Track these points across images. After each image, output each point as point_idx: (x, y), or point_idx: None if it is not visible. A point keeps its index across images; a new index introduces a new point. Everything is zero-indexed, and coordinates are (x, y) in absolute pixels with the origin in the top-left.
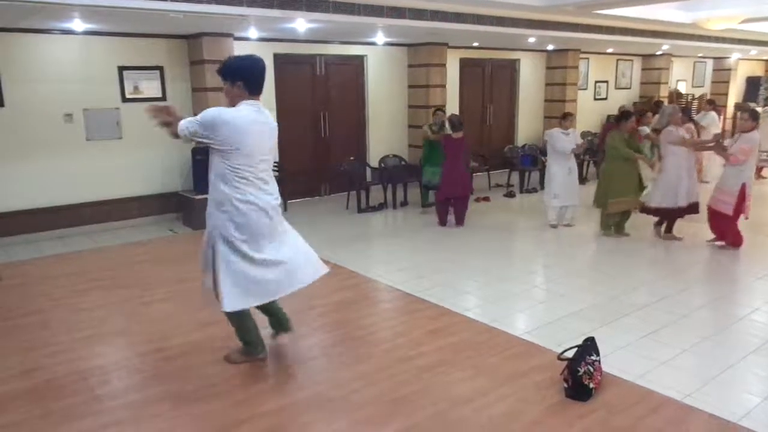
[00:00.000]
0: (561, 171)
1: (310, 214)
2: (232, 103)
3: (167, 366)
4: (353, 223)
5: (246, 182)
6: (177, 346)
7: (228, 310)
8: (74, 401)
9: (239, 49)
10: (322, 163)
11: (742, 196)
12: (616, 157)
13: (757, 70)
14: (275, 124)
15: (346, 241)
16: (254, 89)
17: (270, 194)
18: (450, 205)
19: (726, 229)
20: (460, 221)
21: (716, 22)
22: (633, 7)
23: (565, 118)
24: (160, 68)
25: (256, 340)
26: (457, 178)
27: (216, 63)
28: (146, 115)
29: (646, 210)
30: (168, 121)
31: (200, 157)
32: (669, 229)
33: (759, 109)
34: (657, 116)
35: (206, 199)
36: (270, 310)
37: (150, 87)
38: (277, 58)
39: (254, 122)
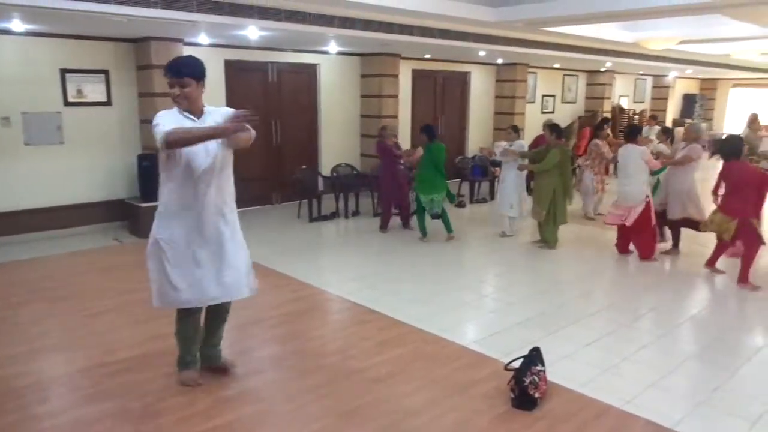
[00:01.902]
0: (515, 182)
1: (261, 222)
2: (196, 105)
3: (111, 382)
4: (305, 232)
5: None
6: (122, 361)
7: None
8: (9, 421)
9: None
10: (273, 171)
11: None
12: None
13: (693, 88)
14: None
15: (298, 250)
16: (200, 87)
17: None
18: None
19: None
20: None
21: (656, 43)
22: (579, 25)
23: (510, 131)
24: (106, 72)
25: (188, 351)
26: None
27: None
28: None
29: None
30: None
31: (147, 164)
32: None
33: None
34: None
35: (153, 206)
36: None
37: (94, 91)
38: (229, 64)
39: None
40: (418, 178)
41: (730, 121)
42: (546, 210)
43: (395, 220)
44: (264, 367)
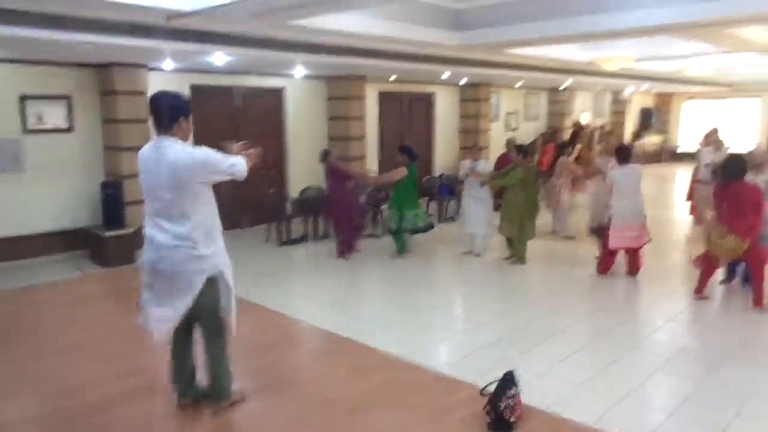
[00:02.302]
0: (475, 200)
1: (229, 247)
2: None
3: (80, 424)
4: (274, 256)
5: (147, 216)
6: (91, 401)
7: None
8: None
9: (154, 80)
10: (241, 195)
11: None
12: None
13: (649, 102)
14: (175, 160)
15: (268, 276)
16: (155, 125)
17: (167, 232)
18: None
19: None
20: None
21: (612, 63)
22: (538, 47)
23: (473, 150)
24: (68, 98)
25: (176, 381)
26: (328, 207)
27: (129, 93)
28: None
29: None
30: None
31: (111, 191)
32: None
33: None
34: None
35: (117, 235)
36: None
37: (56, 117)
38: (194, 89)
39: (147, 158)
40: (401, 197)
41: (685, 133)
42: (516, 226)
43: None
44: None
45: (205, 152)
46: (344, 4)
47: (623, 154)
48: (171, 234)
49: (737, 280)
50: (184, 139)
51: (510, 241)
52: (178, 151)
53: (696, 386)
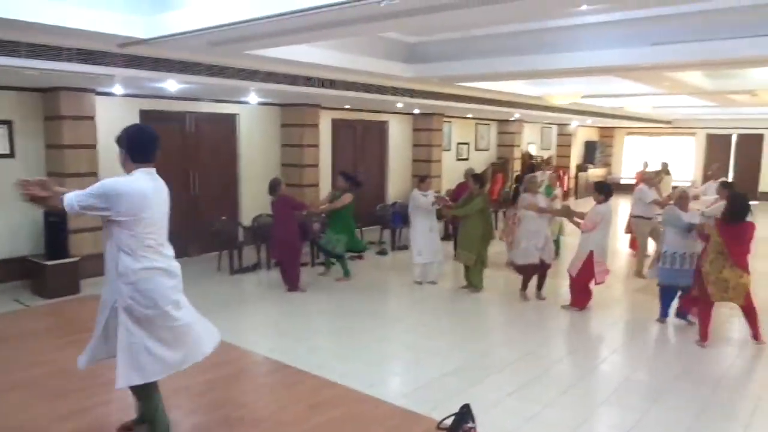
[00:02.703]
0: (423, 229)
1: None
2: (125, 170)
3: None
4: (226, 285)
5: (150, 250)
6: None
7: (120, 386)
8: None
9: (102, 105)
10: (191, 222)
11: (589, 262)
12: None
13: (593, 136)
14: (166, 186)
15: (220, 305)
16: (143, 157)
17: (171, 257)
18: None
19: (573, 289)
20: (288, 284)
21: (559, 98)
22: (489, 81)
23: (422, 181)
24: (9, 122)
25: (163, 420)
26: (278, 242)
27: (75, 119)
28: (16, 189)
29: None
30: (40, 195)
31: (53, 219)
32: (525, 287)
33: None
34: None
35: (61, 264)
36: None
37: None
38: (144, 114)
39: (152, 190)
40: (346, 221)
41: (626, 167)
42: (475, 255)
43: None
44: None
45: None
46: (304, 37)
47: (608, 190)
48: (172, 257)
49: (670, 318)
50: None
51: (467, 269)
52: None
53: (640, 417)
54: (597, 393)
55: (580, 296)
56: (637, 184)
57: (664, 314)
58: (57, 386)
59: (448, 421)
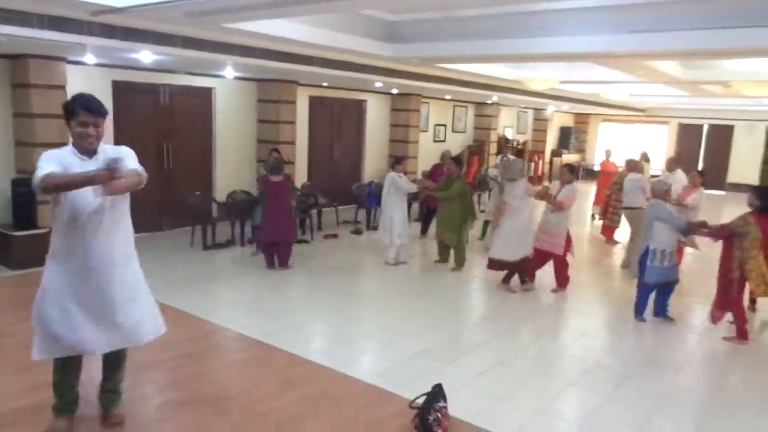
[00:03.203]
0: (401, 212)
1: (152, 250)
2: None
3: None
4: (199, 261)
5: None
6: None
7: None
8: None
9: (73, 74)
10: (164, 196)
11: (569, 239)
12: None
13: (569, 121)
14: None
15: (193, 281)
16: None
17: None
18: (273, 248)
19: (559, 271)
20: (283, 263)
21: (537, 83)
22: (469, 63)
23: (399, 162)
24: None
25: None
26: (279, 223)
27: (45, 87)
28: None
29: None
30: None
31: (23, 189)
32: (506, 280)
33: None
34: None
35: (29, 235)
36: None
37: None
38: (117, 85)
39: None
40: None
41: (600, 153)
42: (456, 234)
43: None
44: (163, 415)
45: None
46: (284, 12)
47: (576, 172)
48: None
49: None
50: (75, 143)
51: (443, 247)
52: None
53: (605, 400)
54: (565, 375)
55: (566, 275)
56: (607, 173)
57: (641, 312)
58: (21, 358)
59: (420, 400)
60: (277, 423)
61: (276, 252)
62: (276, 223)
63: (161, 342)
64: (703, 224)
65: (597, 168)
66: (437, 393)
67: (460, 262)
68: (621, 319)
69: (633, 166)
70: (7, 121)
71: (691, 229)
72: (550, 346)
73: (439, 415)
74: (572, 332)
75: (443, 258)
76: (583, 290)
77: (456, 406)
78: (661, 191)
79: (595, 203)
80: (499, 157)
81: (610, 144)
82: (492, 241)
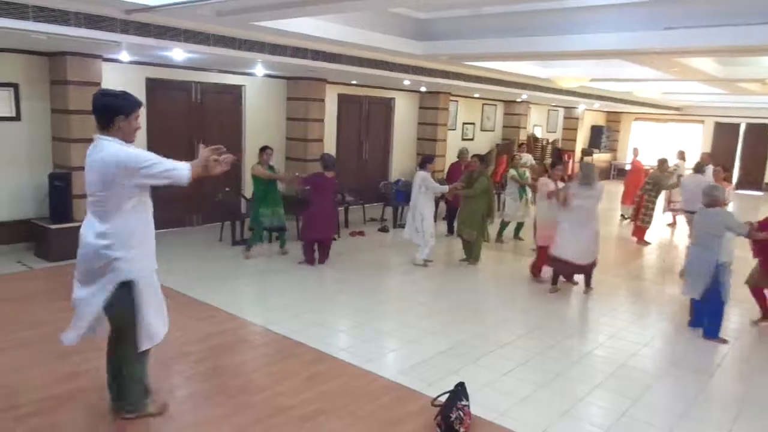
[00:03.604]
0: (432, 211)
1: (181, 245)
2: None
3: (20, 427)
4: (227, 256)
5: (87, 215)
6: (33, 403)
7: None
8: None
9: (108, 71)
10: (194, 192)
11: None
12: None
13: (600, 120)
14: (104, 159)
15: (220, 276)
16: (97, 123)
17: (92, 227)
18: (318, 244)
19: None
20: (324, 259)
21: (567, 81)
22: (498, 61)
23: (431, 162)
24: (15, 85)
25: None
26: (326, 219)
27: (81, 84)
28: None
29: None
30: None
31: (59, 183)
32: (555, 281)
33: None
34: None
35: (64, 228)
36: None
37: (2, 105)
38: (150, 82)
39: (88, 156)
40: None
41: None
42: (476, 230)
43: None
44: (190, 406)
45: (130, 154)
46: (312, 10)
47: None
48: (94, 231)
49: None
50: (126, 138)
51: (468, 244)
52: (109, 150)
53: (633, 402)
54: (592, 377)
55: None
56: (636, 172)
57: (716, 333)
58: (56, 348)
59: (443, 398)
60: (300, 417)
61: (320, 248)
62: (324, 219)
63: (188, 333)
64: (762, 226)
65: (629, 167)
66: (460, 391)
67: (476, 257)
68: (650, 321)
69: (699, 166)
70: (46, 117)
71: (750, 234)
72: (577, 347)
73: (461, 413)
74: (600, 334)
75: (467, 256)
76: (612, 292)
77: (479, 406)
78: (720, 197)
79: (623, 203)
80: (517, 156)
81: (643, 143)
82: (561, 242)
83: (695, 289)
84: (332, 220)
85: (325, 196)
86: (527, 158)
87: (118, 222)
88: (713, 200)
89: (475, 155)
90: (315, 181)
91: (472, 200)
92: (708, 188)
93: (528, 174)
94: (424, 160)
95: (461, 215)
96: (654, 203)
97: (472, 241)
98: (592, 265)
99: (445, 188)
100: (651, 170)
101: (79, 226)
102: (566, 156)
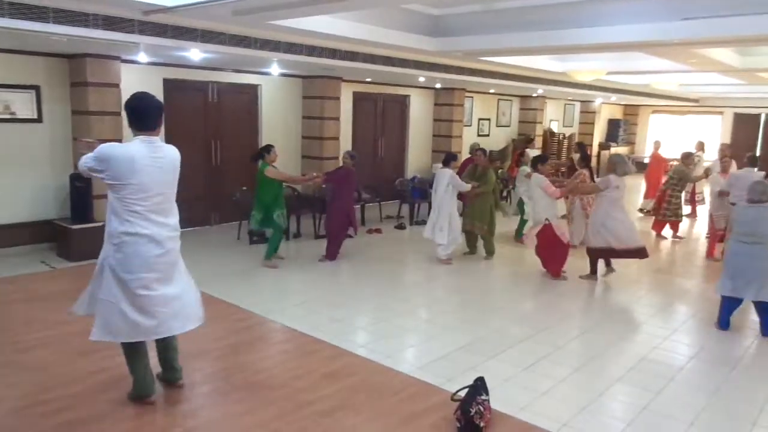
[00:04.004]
0: (456, 209)
1: (200, 243)
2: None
3: (46, 423)
4: (245, 254)
5: (136, 215)
6: (58, 399)
7: (93, 339)
8: None
9: (127, 73)
10: (212, 191)
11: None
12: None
13: (617, 114)
14: (175, 156)
15: (239, 274)
16: (141, 125)
17: (164, 226)
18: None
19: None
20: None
21: (584, 75)
22: (513, 56)
23: (455, 159)
24: (37, 87)
25: (143, 378)
26: (353, 214)
27: (100, 85)
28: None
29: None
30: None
31: (80, 184)
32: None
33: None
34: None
35: (85, 228)
36: (163, 349)
37: (24, 107)
38: (168, 83)
39: (144, 158)
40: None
41: (651, 145)
42: (486, 224)
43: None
44: (211, 401)
45: None
46: (327, 8)
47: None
48: (168, 226)
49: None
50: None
51: (473, 238)
52: (169, 149)
53: (655, 396)
54: (612, 371)
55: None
56: (657, 165)
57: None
58: (79, 345)
59: (462, 393)
60: (319, 412)
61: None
62: (351, 213)
63: (209, 331)
64: None
65: (647, 160)
66: (479, 386)
67: (491, 251)
68: (670, 315)
69: (753, 159)
70: (66, 119)
71: None
72: (597, 341)
73: (481, 408)
74: (620, 328)
75: (472, 249)
76: (631, 286)
77: (499, 401)
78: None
79: (646, 196)
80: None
81: (662, 136)
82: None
83: (748, 289)
84: (348, 213)
85: (350, 190)
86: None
87: (176, 212)
88: (759, 195)
89: (479, 149)
90: (341, 175)
91: (481, 195)
92: (759, 185)
93: None
94: (448, 158)
95: (471, 210)
96: (679, 198)
97: (483, 235)
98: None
99: (468, 186)
100: (672, 163)
101: (100, 227)
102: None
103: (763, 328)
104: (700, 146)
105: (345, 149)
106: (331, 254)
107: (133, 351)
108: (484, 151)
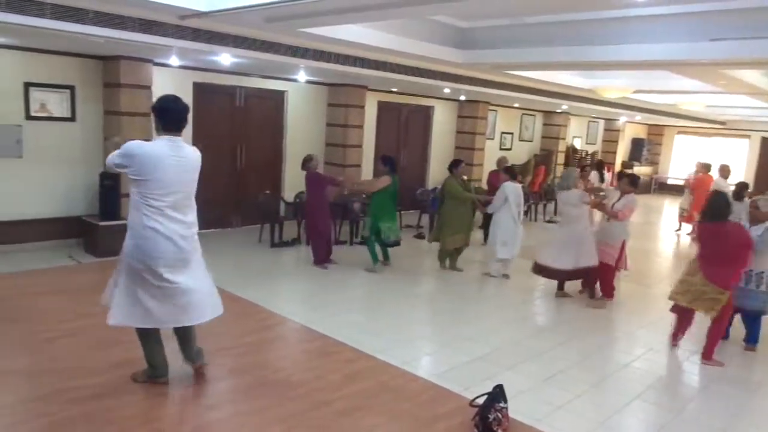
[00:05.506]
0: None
1: (221, 245)
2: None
3: (74, 409)
4: (267, 257)
5: (154, 210)
6: (87, 387)
7: (110, 323)
8: None
9: (158, 75)
10: (235, 194)
11: (622, 250)
12: (453, 199)
13: (641, 133)
14: (196, 156)
15: (260, 275)
16: (167, 126)
17: (181, 222)
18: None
19: (604, 280)
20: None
21: (611, 92)
22: (540, 71)
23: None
24: (71, 87)
25: (158, 363)
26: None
27: (132, 87)
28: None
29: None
30: None
31: (108, 182)
32: (561, 287)
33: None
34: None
35: (112, 225)
36: (182, 337)
37: (59, 106)
38: (197, 86)
39: (167, 156)
40: (378, 207)
41: (675, 166)
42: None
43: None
44: (231, 398)
45: None
46: (357, 17)
47: (638, 181)
48: (185, 223)
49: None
50: None
51: (458, 252)
52: (190, 149)
53: (674, 416)
54: (630, 388)
55: (613, 287)
56: (703, 189)
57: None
58: (103, 337)
59: (481, 400)
60: (338, 412)
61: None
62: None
63: (229, 329)
64: None
65: (672, 182)
66: (498, 393)
67: (441, 260)
68: (690, 335)
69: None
70: (98, 118)
71: None
72: (615, 358)
73: (500, 415)
74: (639, 345)
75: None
76: (653, 304)
77: (515, 411)
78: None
79: (687, 221)
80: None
81: (687, 157)
82: (543, 246)
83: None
84: (313, 218)
85: (315, 194)
86: (593, 178)
87: (194, 209)
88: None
89: (507, 166)
90: (307, 179)
91: (462, 207)
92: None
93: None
94: (514, 171)
95: (458, 222)
96: None
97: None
98: (575, 272)
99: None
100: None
101: (126, 225)
102: (606, 168)
103: (748, 336)
104: (724, 171)
105: (367, 156)
106: (319, 259)
107: (147, 336)
108: (506, 168)
